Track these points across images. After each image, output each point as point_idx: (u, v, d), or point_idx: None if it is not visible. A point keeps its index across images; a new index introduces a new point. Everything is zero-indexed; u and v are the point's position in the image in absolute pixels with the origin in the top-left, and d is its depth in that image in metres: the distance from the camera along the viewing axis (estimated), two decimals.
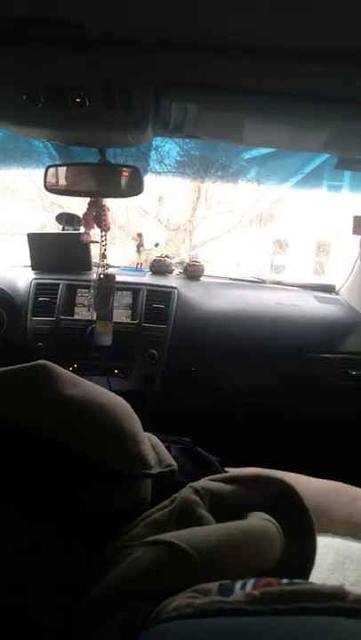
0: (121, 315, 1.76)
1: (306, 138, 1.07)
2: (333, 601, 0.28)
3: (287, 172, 1.60)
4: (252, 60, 0.86)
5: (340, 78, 0.88)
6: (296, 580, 0.32)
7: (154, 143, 1.56)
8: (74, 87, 0.92)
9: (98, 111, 0.95)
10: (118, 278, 1.75)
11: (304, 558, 0.50)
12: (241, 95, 0.94)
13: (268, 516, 0.49)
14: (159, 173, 1.70)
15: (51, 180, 1.29)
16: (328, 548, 0.71)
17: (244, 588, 0.32)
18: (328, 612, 0.27)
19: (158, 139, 1.49)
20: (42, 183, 1.31)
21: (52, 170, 1.29)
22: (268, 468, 0.62)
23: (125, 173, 1.25)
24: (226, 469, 0.69)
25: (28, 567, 0.45)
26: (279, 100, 0.94)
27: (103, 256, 1.54)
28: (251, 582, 0.32)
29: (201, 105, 0.97)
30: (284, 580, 0.32)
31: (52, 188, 1.31)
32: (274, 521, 0.48)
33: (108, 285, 1.59)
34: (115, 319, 1.69)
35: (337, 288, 2.02)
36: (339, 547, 0.71)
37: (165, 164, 1.66)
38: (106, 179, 1.27)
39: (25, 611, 0.44)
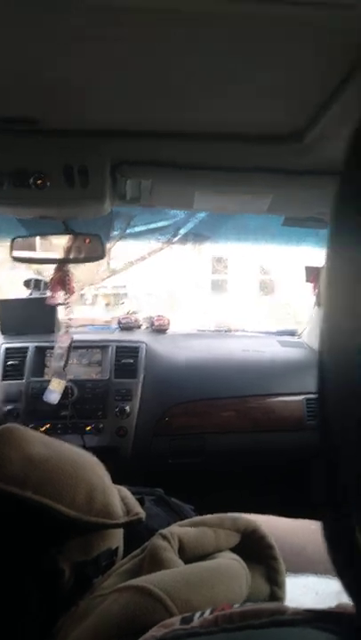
0: (91, 372, 1.78)
1: (251, 203, 1.18)
2: (275, 616, 0.31)
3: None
4: (197, 141, 0.97)
5: (277, 155, 1.00)
6: (247, 603, 0.36)
7: None
8: (35, 170, 1.00)
9: (59, 190, 1.02)
10: (87, 337, 1.80)
11: (273, 596, 0.52)
12: (189, 170, 1.05)
13: (233, 555, 0.51)
14: None
15: (17, 250, 1.35)
16: (308, 589, 0.70)
17: (202, 617, 0.34)
18: (270, 625, 0.30)
19: None
20: None
21: (18, 240, 1.35)
22: (243, 512, 0.64)
23: (87, 241, 1.33)
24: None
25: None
26: (224, 172, 1.06)
27: (68, 317, 1.60)
28: (208, 611, 0.35)
29: (153, 180, 1.08)
30: (236, 605, 0.36)
31: (19, 258, 1.37)
32: (239, 559, 0.50)
33: (64, 346, 1.63)
34: (85, 377, 1.73)
35: (299, 332, 2.12)
36: (318, 585, 0.71)
37: None
38: (70, 247, 1.35)
39: None
